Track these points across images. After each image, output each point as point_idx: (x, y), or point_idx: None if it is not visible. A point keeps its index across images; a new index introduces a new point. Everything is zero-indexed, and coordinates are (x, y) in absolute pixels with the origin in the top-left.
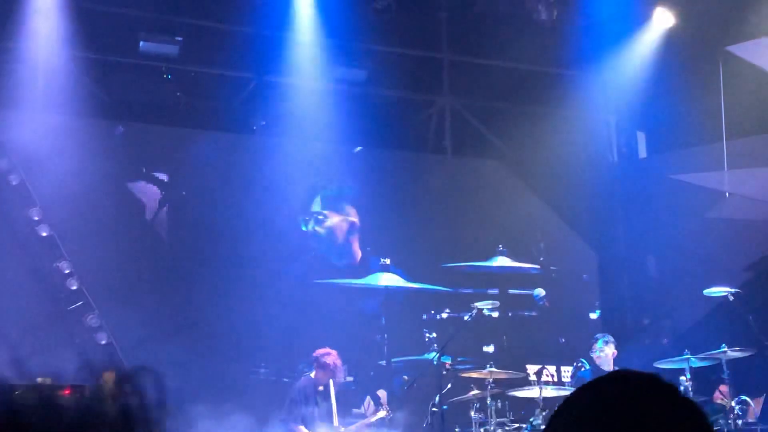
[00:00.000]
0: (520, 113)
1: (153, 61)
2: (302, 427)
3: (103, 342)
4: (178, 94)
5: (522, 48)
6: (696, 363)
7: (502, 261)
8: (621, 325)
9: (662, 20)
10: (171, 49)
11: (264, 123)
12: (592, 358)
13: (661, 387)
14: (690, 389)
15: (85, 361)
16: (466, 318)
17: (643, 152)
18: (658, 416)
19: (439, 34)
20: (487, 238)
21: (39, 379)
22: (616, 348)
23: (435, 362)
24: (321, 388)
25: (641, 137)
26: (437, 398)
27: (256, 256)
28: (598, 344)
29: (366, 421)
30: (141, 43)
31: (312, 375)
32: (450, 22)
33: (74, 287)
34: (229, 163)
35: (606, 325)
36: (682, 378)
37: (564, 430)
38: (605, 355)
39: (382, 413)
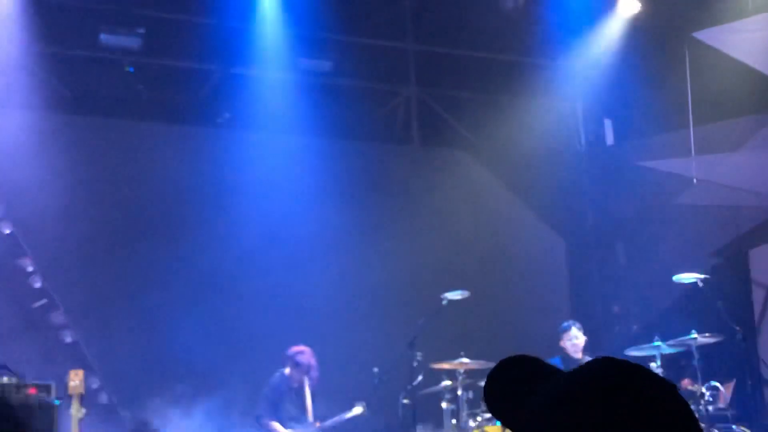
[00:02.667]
0: (487, 102)
1: (114, 54)
2: (276, 424)
3: (68, 340)
4: (140, 87)
5: (488, 37)
6: (666, 350)
7: None
8: (590, 312)
9: (628, 7)
10: (133, 42)
11: (228, 116)
12: (562, 347)
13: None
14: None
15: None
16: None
17: (610, 139)
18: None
19: (405, 23)
20: (454, 228)
21: (4, 379)
22: (585, 335)
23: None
24: (295, 384)
25: (608, 125)
26: (407, 391)
27: (223, 250)
28: (572, 332)
29: (342, 416)
30: (102, 35)
31: (286, 372)
32: (415, 12)
33: (37, 285)
34: (193, 156)
35: (575, 313)
36: (653, 365)
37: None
38: (579, 343)
39: (358, 409)
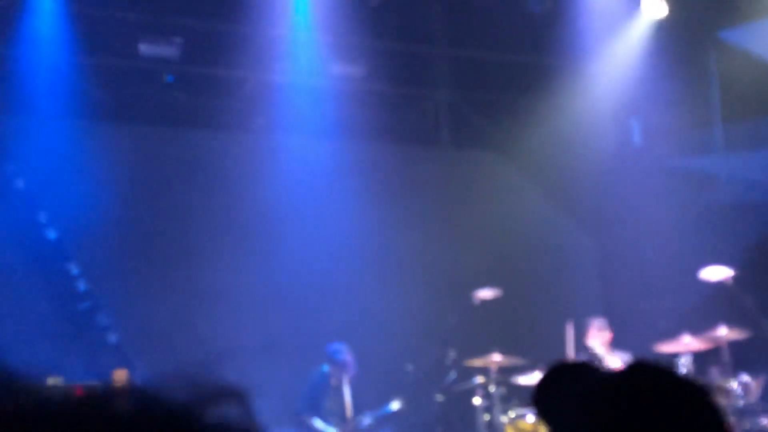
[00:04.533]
0: (516, 105)
1: (153, 63)
2: (317, 420)
3: (113, 341)
4: (179, 95)
5: (516, 40)
6: (695, 345)
7: None
8: (620, 309)
9: (654, 7)
10: (171, 51)
11: (263, 121)
12: (588, 345)
13: (684, 383)
14: (690, 371)
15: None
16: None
17: (638, 139)
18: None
19: (435, 28)
20: (485, 228)
21: (50, 380)
22: (612, 332)
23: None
24: (334, 381)
25: (635, 124)
26: (441, 388)
27: (262, 252)
28: (597, 327)
29: (379, 412)
30: (141, 45)
31: (325, 369)
32: (446, 16)
33: (82, 288)
34: (229, 161)
35: (605, 310)
36: (681, 360)
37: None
38: (604, 338)
39: (395, 405)
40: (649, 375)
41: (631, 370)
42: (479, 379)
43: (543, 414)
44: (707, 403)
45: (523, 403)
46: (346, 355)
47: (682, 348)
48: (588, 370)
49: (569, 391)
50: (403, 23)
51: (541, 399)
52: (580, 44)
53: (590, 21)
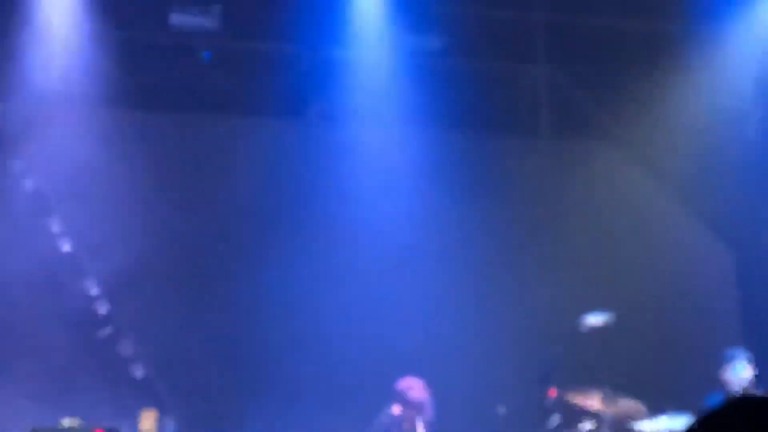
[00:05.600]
0: (633, 83)
1: (186, 37)
2: None
3: (139, 374)
4: (216, 74)
5: (633, 2)
6: None
7: None
8: (766, 339)
9: None
10: (208, 22)
11: (321, 105)
12: (725, 380)
13: None
14: None
15: None
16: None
17: None
18: None
19: None
20: (595, 235)
21: (66, 421)
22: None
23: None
24: (406, 426)
25: None
26: None
27: (313, 261)
28: (737, 364)
29: None
30: (172, 15)
31: (395, 411)
32: None
33: (103, 311)
34: (280, 152)
35: (746, 339)
36: None
37: None
38: (745, 376)
39: None
40: (752, 410)
41: (730, 406)
42: (588, 425)
43: None
44: None
45: None
46: (422, 392)
47: None
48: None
49: None
50: None
51: None
52: (712, 5)
53: None
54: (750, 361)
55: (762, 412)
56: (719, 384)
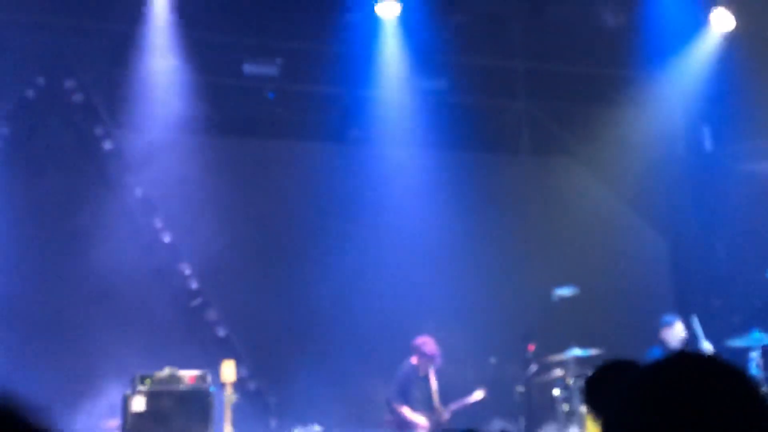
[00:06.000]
0: (592, 114)
1: (256, 81)
2: (406, 408)
3: (221, 334)
4: (279, 110)
5: (591, 53)
6: (765, 340)
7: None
8: (692, 306)
9: (722, 20)
10: (271, 70)
11: (356, 132)
12: (662, 338)
13: (722, 368)
14: (760, 365)
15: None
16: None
17: (709, 145)
18: (718, 397)
19: (513, 43)
20: (563, 229)
21: (166, 369)
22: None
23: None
24: (422, 373)
25: (706, 131)
26: (522, 380)
27: (356, 253)
28: (676, 327)
29: (464, 401)
30: (245, 65)
31: (413, 361)
32: (523, 32)
33: (194, 286)
34: (326, 170)
35: (678, 307)
36: (753, 354)
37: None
38: (681, 336)
39: (479, 394)
40: (691, 363)
41: (672, 360)
42: (558, 372)
43: (593, 409)
44: (750, 390)
45: None
46: (433, 347)
47: (753, 342)
48: (633, 365)
49: (614, 385)
50: (483, 39)
51: (590, 395)
52: (653, 56)
53: (662, 34)
54: (683, 324)
55: (695, 363)
56: (658, 341)
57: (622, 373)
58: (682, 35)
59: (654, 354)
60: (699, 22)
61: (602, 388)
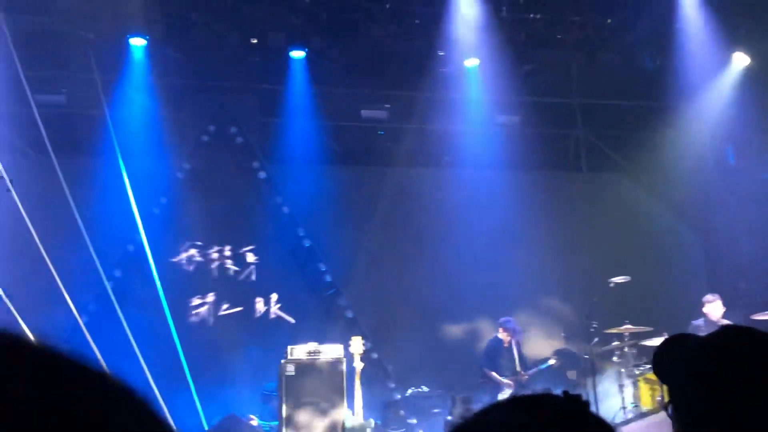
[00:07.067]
0: (636, 138)
1: (370, 123)
2: (494, 373)
3: (350, 316)
4: (389, 144)
5: (634, 89)
6: None
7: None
8: (722, 288)
9: (740, 59)
10: (382, 114)
11: (448, 158)
12: (705, 312)
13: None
14: None
15: None
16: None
17: (733, 160)
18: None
19: (571, 84)
20: (617, 230)
21: (310, 343)
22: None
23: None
24: (506, 344)
25: (730, 148)
26: (586, 349)
27: (454, 250)
28: (716, 303)
29: (540, 367)
30: (362, 111)
31: (500, 335)
32: (579, 75)
33: (328, 279)
34: (424, 189)
35: (711, 290)
36: None
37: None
38: (719, 310)
39: (552, 361)
40: (739, 334)
41: (724, 331)
42: (616, 343)
43: (660, 376)
44: None
45: (649, 361)
46: (515, 324)
47: None
48: (693, 337)
49: (678, 354)
50: (547, 82)
51: (657, 363)
52: (685, 90)
53: (691, 72)
54: (720, 301)
55: (743, 334)
56: (701, 314)
57: (683, 344)
58: (708, 72)
59: (698, 323)
60: (721, 62)
61: (667, 357)
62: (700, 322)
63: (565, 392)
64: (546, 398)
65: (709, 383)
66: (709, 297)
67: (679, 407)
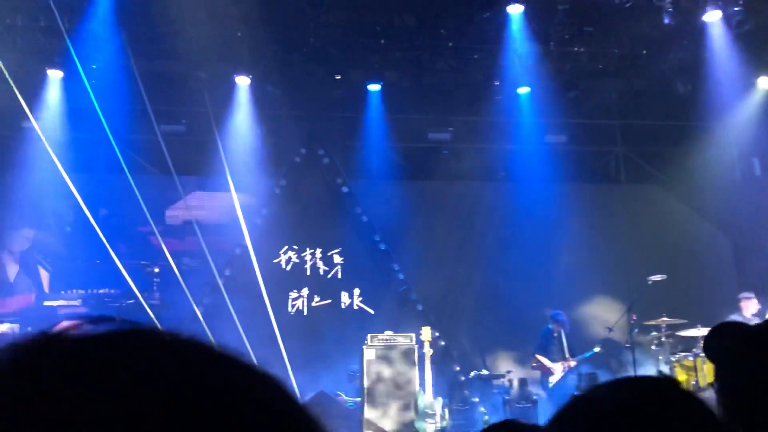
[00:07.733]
0: (671, 153)
1: (436, 144)
2: (545, 358)
3: (419, 308)
4: (452, 162)
5: (668, 110)
6: None
7: None
8: (751, 286)
9: (765, 83)
10: (446, 136)
11: (503, 173)
12: (741, 307)
13: None
14: None
15: None
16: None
17: (758, 171)
18: None
19: (612, 106)
20: (655, 234)
21: (387, 331)
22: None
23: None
24: (556, 334)
25: (756, 162)
26: (628, 339)
27: (511, 252)
28: (753, 301)
29: (585, 355)
30: (429, 134)
31: (550, 326)
32: (618, 99)
33: (401, 277)
34: (483, 201)
35: (740, 287)
36: None
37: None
38: (752, 307)
39: (597, 349)
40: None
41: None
42: (654, 333)
43: (710, 356)
44: None
45: (684, 349)
46: (564, 316)
47: None
48: (740, 324)
49: (726, 339)
50: (590, 105)
51: (708, 346)
52: (714, 111)
53: (720, 95)
54: (755, 299)
55: None
56: (737, 310)
57: (732, 330)
58: (734, 95)
59: (734, 317)
60: (747, 85)
61: (717, 341)
62: (735, 316)
63: (661, 373)
64: (645, 379)
65: (756, 366)
66: (745, 294)
67: (724, 385)
